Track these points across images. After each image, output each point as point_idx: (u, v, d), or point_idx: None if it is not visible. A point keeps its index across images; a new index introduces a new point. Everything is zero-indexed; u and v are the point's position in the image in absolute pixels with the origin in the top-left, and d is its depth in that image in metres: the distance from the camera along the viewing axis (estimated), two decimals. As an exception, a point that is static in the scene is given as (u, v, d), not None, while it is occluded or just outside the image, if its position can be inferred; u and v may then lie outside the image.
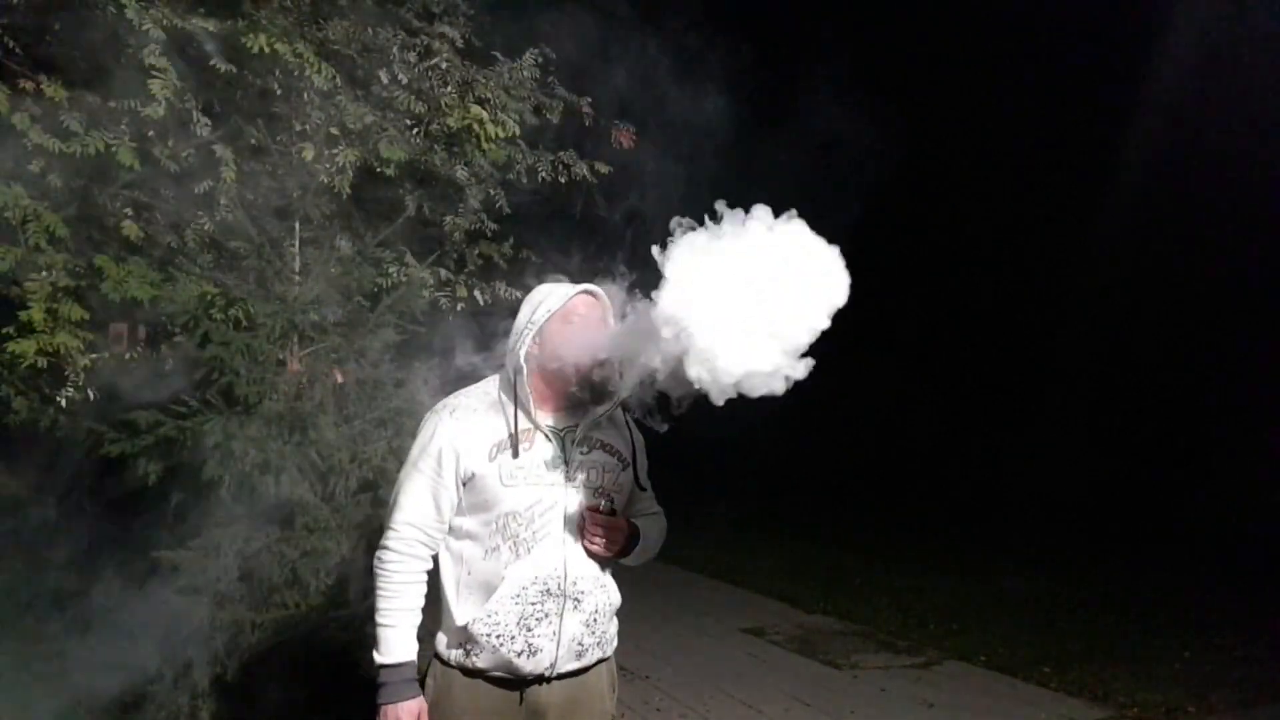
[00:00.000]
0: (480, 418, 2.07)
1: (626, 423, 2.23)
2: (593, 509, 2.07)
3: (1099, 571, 8.40)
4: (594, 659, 2.14)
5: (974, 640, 6.21)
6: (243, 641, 3.40)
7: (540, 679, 2.07)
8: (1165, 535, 9.72)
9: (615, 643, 2.24)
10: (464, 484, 2.05)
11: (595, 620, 2.12)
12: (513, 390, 2.08)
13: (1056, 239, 12.69)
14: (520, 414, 2.07)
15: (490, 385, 2.16)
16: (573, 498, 2.07)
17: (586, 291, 2.11)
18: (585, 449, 2.11)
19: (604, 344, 2.03)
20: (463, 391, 2.17)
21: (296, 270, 3.85)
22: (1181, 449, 11.48)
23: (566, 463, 2.08)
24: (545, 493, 2.05)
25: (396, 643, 2.02)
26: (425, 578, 2.08)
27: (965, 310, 14.15)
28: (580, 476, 2.09)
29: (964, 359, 14.27)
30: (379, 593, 2.05)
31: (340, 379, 3.81)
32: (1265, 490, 9.59)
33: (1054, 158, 12.67)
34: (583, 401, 2.11)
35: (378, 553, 2.07)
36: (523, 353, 2.07)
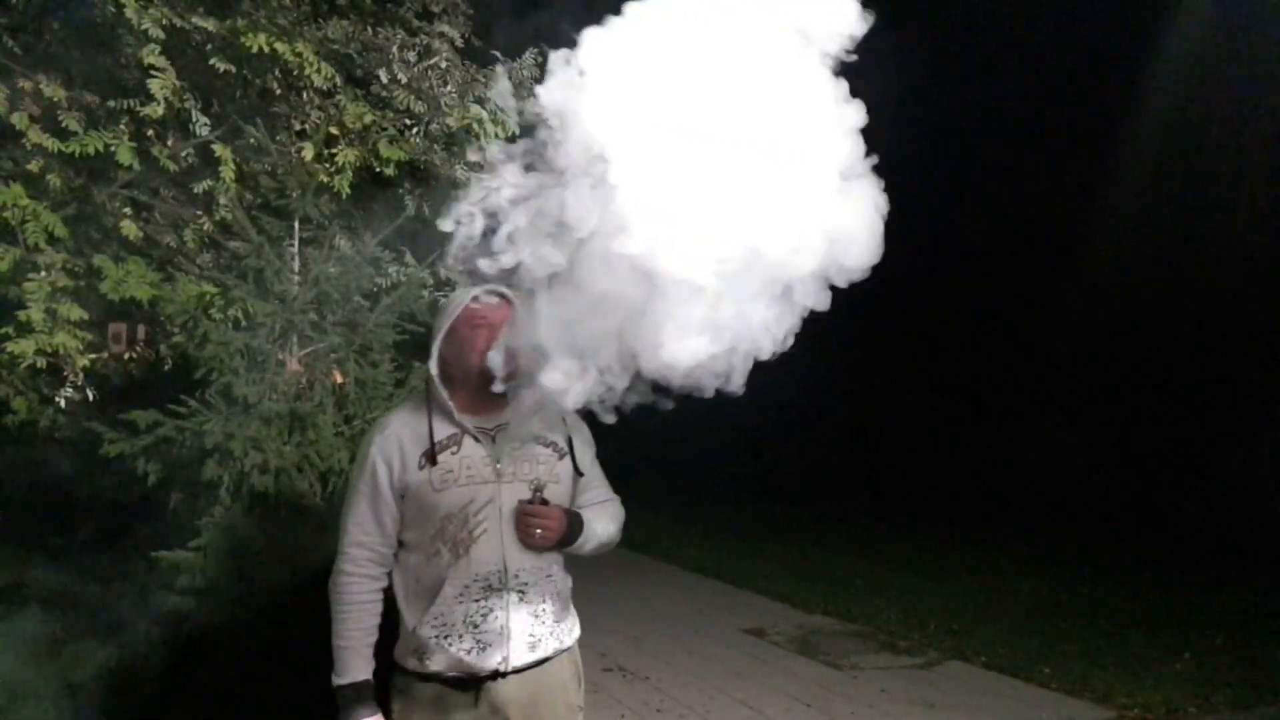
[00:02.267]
0: (409, 431, 2.11)
1: (560, 412, 2.22)
2: (522, 502, 2.09)
3: (1099, 571, 8.38)
4: (551, 650, 2.15)
5: (974, 640, 6.20)
6: (241, 643, 3.39)
7: (495, 674, 2.09)
8: (1165, 535, 9.72)
9: (576, 633, 2.25)
10: (403, 497, 2.09)
11: (544, 611, 2.14)
12: (434, 398, 2.13)
13: (1057, 237, 12.69)
14: (442, 420, 2.11)
15: (419, 397, 2.21)
16: (507, 493, 2.10)
17: (491, 292, 2.13)
18: (517, 443, 2.14)
19: (506, 339, 2.05)
20: (396, 407, 2.23)
21: (296, 270, 3.84)
22: (1181, 448, 11.47)
23: (498, 460, 2.11)
24: (478, 491, 2.08)
25: (352, 662, 2.08)
26: (380, 596, 2.12)
27: (966, 309, 14.14)
28: (513, 471, 2.11)
29: (964, 359, 14.27)
30: (334, 614, 2.10)
31: (340, 379, 3.81)
32: (1265, 490, 9.58)
33: (1055, 156, 12.66)
34: (509, 397, 2.11)
35: (331, 577, 2.12)
36: (433, 362, 2.12)
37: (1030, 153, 12.77)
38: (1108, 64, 12.08)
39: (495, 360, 2.04)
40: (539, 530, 2.08)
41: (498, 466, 2.10)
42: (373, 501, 2.10)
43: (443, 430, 2.10)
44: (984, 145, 13.09)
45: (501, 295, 2.13)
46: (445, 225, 1.88)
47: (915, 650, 6.07)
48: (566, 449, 2.22)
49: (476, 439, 2.11)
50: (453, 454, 2.08)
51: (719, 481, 13.54)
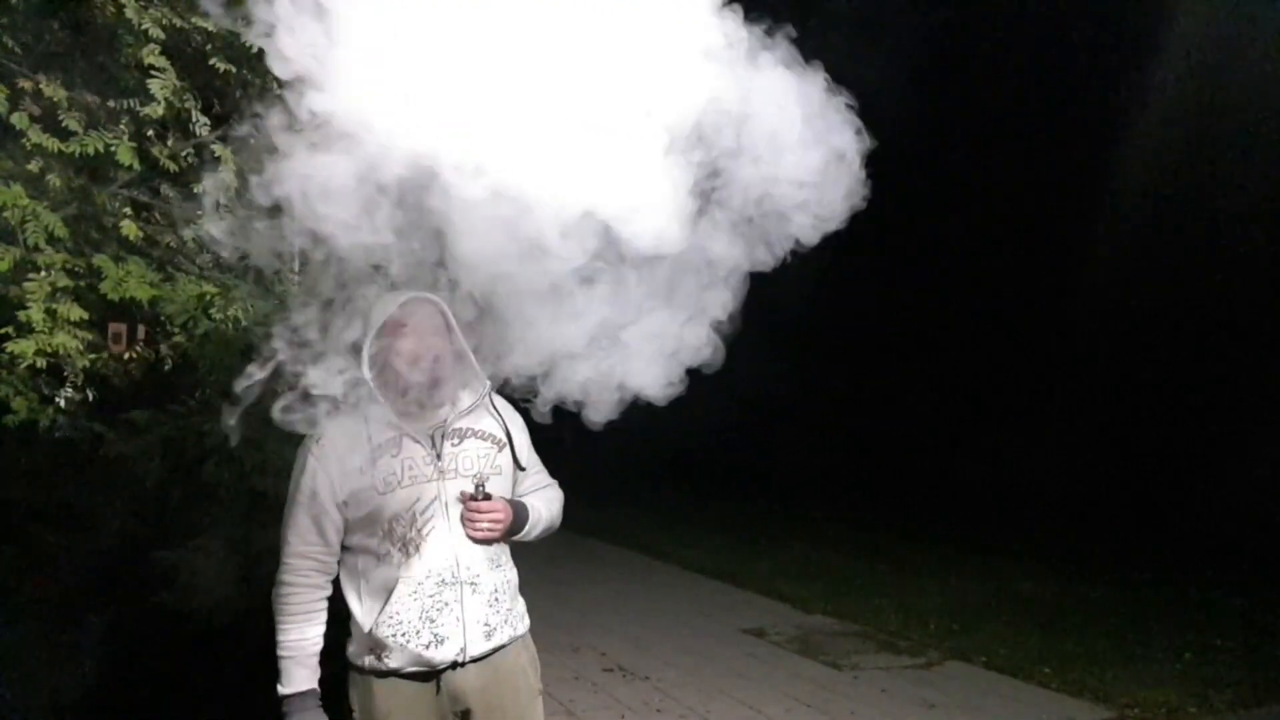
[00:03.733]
0: (346, 438, 2.13)
1: (495, 406, 2.28)
2: (466, 498, 2.12)
3: (1100, 571, 8.39)
4: (506, 638, 2.20)
5: (975, 641, 6.20)
6: (242, 643, 3.39)
7: (454, 665, 2.12)
8: (1166, 535, 9.71)
9: (526, 620, 2.29)
10: (345, 504, 2.11)
11: (497, 599, 2.18)
12: (370, 404, 2.14)
13: (1060, 237, 12.68)
14: (378, 424, 2.13)
15: (354, 405, 2.20)
16: (450, 489, 2.13)
17: (416, 298, 2.14)
18: (456, 440, 2.18)
19: (432, 345, 2.10)
20: (333, 416, 2.21)
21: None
22: (1182, 448, 11.46)
23: (439, 458, 2.14)
24: (422, 490, 2.11)
25: (297, 673, 2.10)
26: (324, 605, 2.15)
27: (967, 309, 14.14)
28: (454, 467, 2.15)
29: (965, 359, 14.26)
30: (278, 625, 2.12)
31: (340, 379, 3.80)
32: (1265, 490, 9.57)
33: (1057, 156, 12.65)
34: (443, 398, 2.16)
35: (274, 588, 2.14)
36: (365, 367, 2.12)
37: (1032, 151, 12.76)
38: (1109, 62, 12.08)
39: (420, 374, 2.09)
40: (486, 525, 2.12)
41: (439, 464, 2.13)
42: (312, 512, 2.11)
43: (380, 434, 2.12)
44: (985, 144, 13.08)
45: (427, 299, 2.14)
46: (209, 230, 1.88)
47: (915, 650, 6.07)
48: (505, 440, 2.26)
49: (415, 439, 2.14)
50: (393, 456, 2.11)
51: (719, 481, 13.54)
